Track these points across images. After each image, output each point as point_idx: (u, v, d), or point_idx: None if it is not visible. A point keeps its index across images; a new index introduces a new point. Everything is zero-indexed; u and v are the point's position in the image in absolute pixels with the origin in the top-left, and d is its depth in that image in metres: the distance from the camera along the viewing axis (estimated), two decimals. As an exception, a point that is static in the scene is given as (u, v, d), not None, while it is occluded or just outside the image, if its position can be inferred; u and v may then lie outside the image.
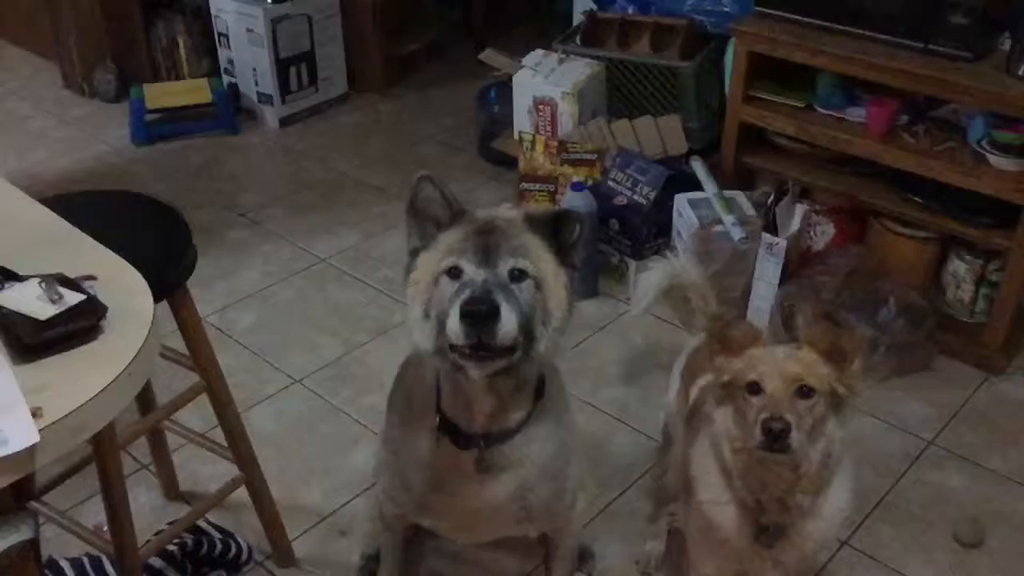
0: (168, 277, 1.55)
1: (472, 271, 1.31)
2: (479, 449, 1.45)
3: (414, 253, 1.40)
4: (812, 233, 2.78)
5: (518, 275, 1.32)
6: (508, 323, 1.25)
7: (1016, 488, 2.19)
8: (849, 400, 1.41)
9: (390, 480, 1.65)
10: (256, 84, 3.93)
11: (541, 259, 1.35)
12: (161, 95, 3.88)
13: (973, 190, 2.44)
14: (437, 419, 1.46)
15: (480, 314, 1.24)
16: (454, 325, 1.26)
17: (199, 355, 1.70)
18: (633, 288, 2.76)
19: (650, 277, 2.05)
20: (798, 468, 1.41)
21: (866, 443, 2.32)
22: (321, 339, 2.72)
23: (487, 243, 1.33)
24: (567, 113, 3.09)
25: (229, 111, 3.90)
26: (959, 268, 2.62)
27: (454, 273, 1.32)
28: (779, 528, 1.48)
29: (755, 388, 1.39)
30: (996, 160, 2.42)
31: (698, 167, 2.86)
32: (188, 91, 3.92)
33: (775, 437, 1.34)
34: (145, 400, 1.93)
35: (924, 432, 2.36)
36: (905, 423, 2.38)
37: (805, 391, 1.37)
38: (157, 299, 1.52)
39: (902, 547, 2.04)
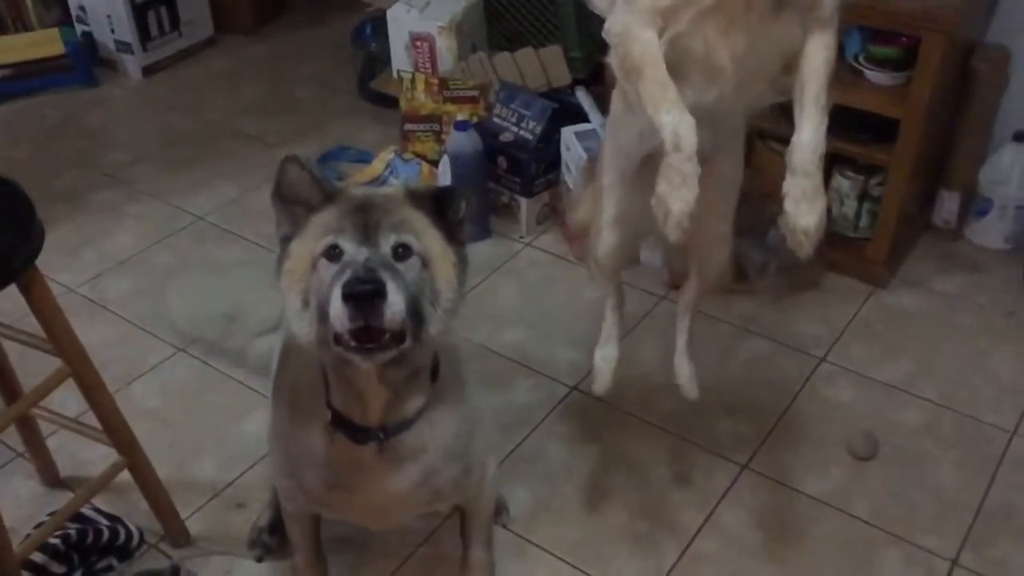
0: (10, 263, 1.41)
1: (353, 250, 1.22)
2: (379, 442, 1.38)
3: (285, 241, 1.31)
4: (700, 158, 2.77)
5: (402, 252, 1.24)
6: (395, 304, 1.18)
7: (905, 397, 2.26)
8: None
9: (285, 479, 1.57)
10: (112, 32, 3.67)
11: (426, 235, 1.28)
12: (7, 49, 3.58)
13: (852, 106, 2.46)
14: (329, 415, 1.38)
15: (365, 295, 1.16)
16: (337, 310, 1.18)
17: (58, 339, 1.57)
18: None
19: None
20: None
21: (760, 365, 2.36)
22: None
23: (366, 220, 1.24)
24: (446, 48, 2.98)
25: (85, 63, 3.63)
26: (842, 185, 2.65)
27: (333, 254, 1.23)
28: None
29: None
30: (873, 75, 2.44)
31: (583, 97, 2.81)
32: (37, 43, 3.63)
33: None
34: (9, 388, 1.80)
35: (816, 350, 2.40)
36: (797, 342, 2.43)
37: None
38: (1, 285, 1.40)
39: (800, 465, 2.08)
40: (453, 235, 1.31)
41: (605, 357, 1.90)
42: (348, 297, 1.16)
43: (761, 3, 1.36)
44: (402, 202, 1.30)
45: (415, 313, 1.23)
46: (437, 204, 1.30)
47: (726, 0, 1.33)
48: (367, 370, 1.28)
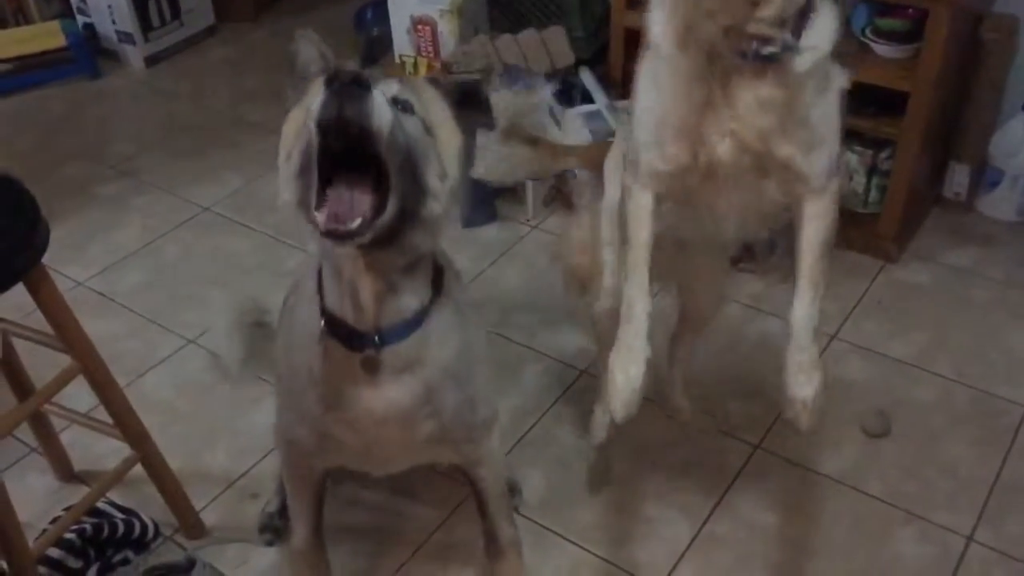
0: (16, 262, 1.41)
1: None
2: (374, 348, 1.27)
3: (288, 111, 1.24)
4: (706, 137, 2.75)
5: (402, 106, 1.15)
6: (383, 108, 1.08)
7: (917, 373, 2.25)
8: None
9: (284, 413, 1.51)
10: (114, 22, 3.65)
11: (434, 105, 1.20)
12: (9, 43, 3.56)
13: (860, 80, 2.42)
14: (322, 322, 1.30)
15: (348, 79, 1.05)
16: (315, 104, 1.07)
17: (67, 336, 1.57)
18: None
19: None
20: None
21: (771, 344, 2.34)
22: (212, 294, 2.58)
23: (372, 73, 1.15)
24: (448, 32, 2.95)
25: (87, 54, 3.61)
26: (851, 159, 2.63)
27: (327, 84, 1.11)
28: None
29: None
30: (881, 48, 2.40)
31: (587, 78, 2.79)
32: (39, 36, 3.62)
33: None
34: (20, 386, 1.81)
35: (827, 327, 2.38)
36: (809, 320, 2.41)
37: None
38: (8, 285, 1.40)
39: (813, 444, 2.07)
40: (467, 125, 1.24)
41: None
42: (330, 82, 1.06)
43: (747, 176, 1.36)
44: (421, 81, 1.25)
45: (415, 176, 1.14)
46: (458, 97, 1.24)
47: (716, 171, 1.35)
48: (352, 255, 1.18)
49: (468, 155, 1.25)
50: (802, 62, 1.26)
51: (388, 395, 1.34)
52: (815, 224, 1.43)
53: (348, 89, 1.06)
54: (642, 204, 1.42)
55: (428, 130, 1.17)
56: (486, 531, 1.73)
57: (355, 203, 1.12)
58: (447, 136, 1.20)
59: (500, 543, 1.72)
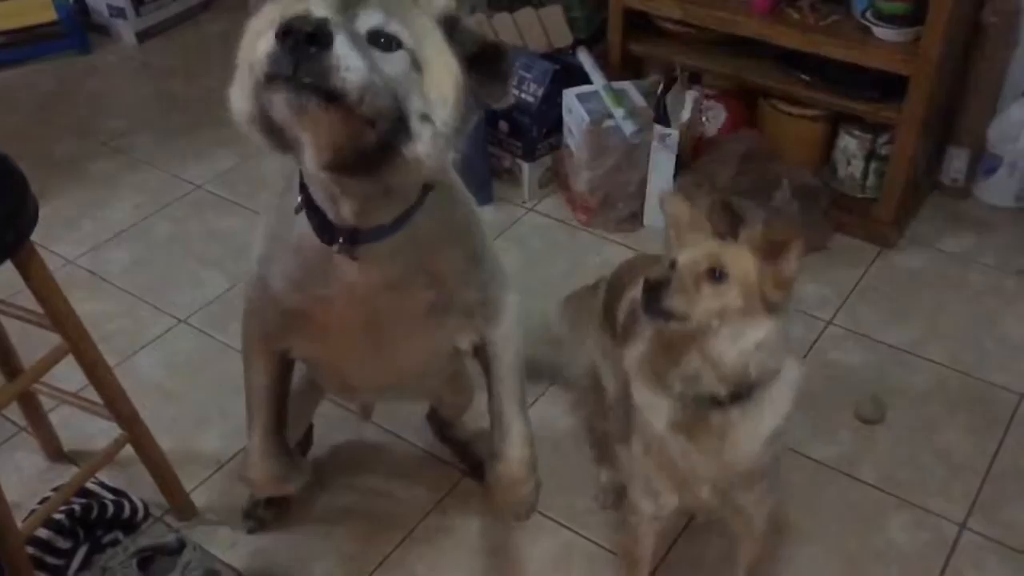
0: (3, 240, 1.38)
1: (322, 8, 0.97)
2: (343, 245, 1.16)
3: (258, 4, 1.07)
4: (704, 119, 2.73)
5: (384, 41, 0.99)
6: (349, 61, 0.92)
7: (912, 360, 2.24)
8: (783, 305, 1.31)
9: (253, 287, 1.37)
10: (105, -4, 3.60)
11: (428, 37, 1.03)
12: (-1, 16, 3.52)
13: (859, 64, 2.41)
14: (299, 198, 1.18)
15: (303, 36, 0.90)
16: (261, 51, 0.93)
17: (56, 316, 1.55)
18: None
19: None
20: (703, 347, 1.29)
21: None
22: (204, 273, 2.56)
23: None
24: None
25: (78, 28, 3.56)
26: (849, 144, 2.61)
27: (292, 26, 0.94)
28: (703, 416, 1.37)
29: (672, 266, 1.31)
30: (881, 31, 2.38)
31: (584, 58, 2.75)
32: (29, 9, 3.55)
33: (650, 291, 1.25)
34: (9, 365, 1.78)
35: (823, 312, 2.38)
36: (805, 304, 2.40)
37: (717, 274, 1.28)
38: (-4, 263, 1.38)
39: (807, 429, 2.06)
40: (482, 66, 1.07)
41: None
42: (282, 33, 0.91)
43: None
44: (425, 12, 1.06)
45: (396, 119, 1.00)
46: (475, 53, 1.07)
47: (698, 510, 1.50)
48: (324, 178, 1.07)
49: (468, 91, 1.08)
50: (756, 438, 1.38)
51: (373, 268, 1.22)
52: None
53: (303, 49, 0.91)
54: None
55: (416, 65, 1.02)
56: (492, 418, 1.50)
57: None
58: (440, 73, 1.04)
59: (504, 435, 1.48)
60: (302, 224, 1.20)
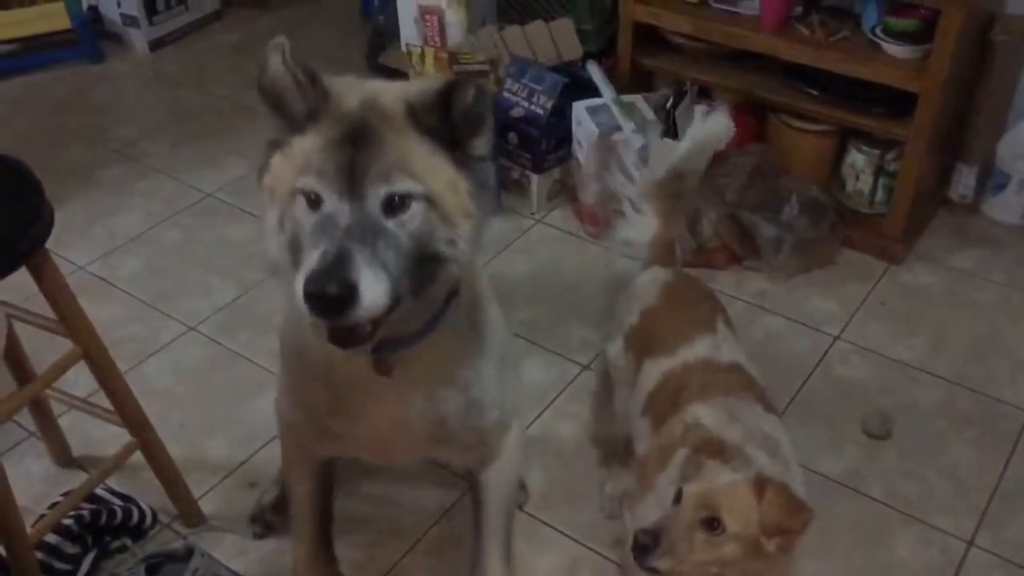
0: (18, 246, 1.39)
1: (334, 203, 1.04)
2: (374, 355, 1.21)
3: (269, 147, 1.13)
4: (713, 133, 2.73)
5: (397, 203, 1.05)
6: (370, 300, 1.01)
7: (920, 376, 2.24)
8: (776, 559, 1.26)
9: (285, 396, 1.46)
10: (119, 5, 3.63)
11: (431, 169, 1.07)
12: (13, 24, 3.55)
13: (869, 80, 2.42)
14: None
15: (328, 299, 0.99)
16: (299, 297, 1.01)
17: (70, 322, 1.56)
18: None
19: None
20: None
21: (774, 343, 2.34)
22: (214, 281, 2.57)
23: (353, 161, 1.04)
24: (455, 21, 2.93)
25: (91, 37, 3.59)
26: (857, 160, 2.62)
27: (312, 200, 1.06)
28: None
29: (678, 497, 1.29)
30: (891, 48, 2.39)
31: (594, 71, 2.77)
32: (43, 17, 3.59)
33: (640, 549, 1.25)
34: (21, 370, 1.79)
35: (830, 327, 2.38)
36: (812, 319, 2.40)
37: (714, 524, 1.24)
38: (11, 268, 1.39)
39: (814, 444, 2.06)
40: (465, 148, 1.10)
41: None
42: (310, 298, 0.99)
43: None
44: (401, 125, 1.08)
45: (428, 260, 1.07)
46: (443, 109, 1.08)
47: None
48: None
49: (477, 187, 1.11)
50: None
51: (389, 398, 1.30)
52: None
53: (334, 312, 1.00)
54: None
55: (431, 201, 1.07)
56: (473, 551, 1.59)
57: None
58: (451, 195, 1.08)
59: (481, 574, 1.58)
60: (321, 346, 1.20)
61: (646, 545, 1.25)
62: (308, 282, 0.99)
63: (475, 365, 1.36)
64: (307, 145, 1.08)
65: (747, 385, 1.56)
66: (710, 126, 1.77)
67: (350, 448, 1.51)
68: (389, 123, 1.07)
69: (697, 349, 1.60)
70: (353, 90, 1.12)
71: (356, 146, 1.05)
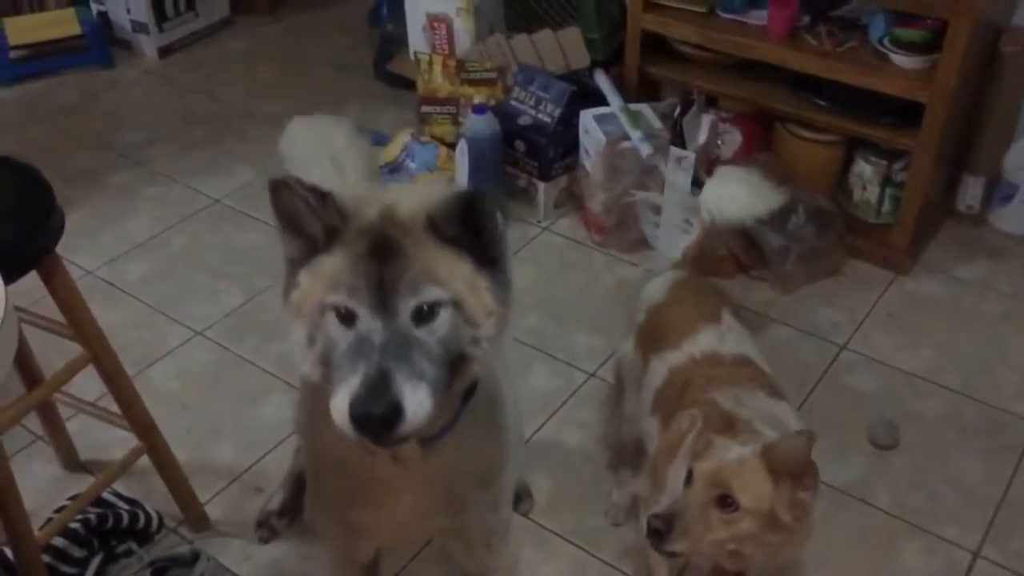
0: (30, 249, 1.40)
1: (368, 320, 1.05)
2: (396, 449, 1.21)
3: (292, 264, 1.13)
4: (719, 142, 2.74)
5: (427, 313, 1.06)
6: (414, 412, 1.02)
7: (926, 386, 2.24)
8: (793, 531, 1.28)
9: (312, 498, 1.49)
10: (128, 12, 3.65)
11: (455, 274, 1.09)
12: (25, 29, 3.57)
13: (876, 90, 2.42)
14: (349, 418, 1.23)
15: (376, 420, 1.01)
16: (341, 416, 1.01)
17: (79, 326, 1.57)
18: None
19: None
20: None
21: (781, 352, 2.34)
22: (221, 286, 2.58)
23: (382, 276, 1.05)
24: (463, 30, 2.95)
25: (101, 43, 3.61)
26: (864, 170, 2.62)
27: (345, 317, 1.06)
28: None
29: (689, 478, 1.30)
30: (898, 58, 2.40)
31: (601, 80, 2.78)
32: (54, 23, 3.62)
33: (655, 535, 1.26)
34: (29, 373, 1.80)
35: (837, 337, 2.38)
36: (818, 329, 2.40)
37: (728, 501, 1.25)
38: (23, 272, 1.40)
39: (819, 453, 2.05)
40: (484, 250, 1.11)
41: None
42: (357, 421, 1.01)
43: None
44: (421, 236, 1.09)
45: (454, 361, 1.09)
46: (463, 218, 1.09)
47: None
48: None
49: (499, 287, 1.13)
50: None
51: (411, 494, 1.31)
52: None
53: (380, 433, 1.02)
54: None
55: (458, 306, 1.08)
56: None
57: None
58: (474, 296, 1.09)
59: None
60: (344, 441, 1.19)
61: (660, 530, 1.26)
62: (353, 405, 1.01)
63: (495, 461, 1.38)
64: (334, 263, 1.09)
65: (754, 376, 1.57)
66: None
67: (375, 539, 1.52)
68: (410, 235, 1.09)
69: (701, 342, 1.60)
70: (369, 203, 1.13)
71: (382, 260, 1.07)
